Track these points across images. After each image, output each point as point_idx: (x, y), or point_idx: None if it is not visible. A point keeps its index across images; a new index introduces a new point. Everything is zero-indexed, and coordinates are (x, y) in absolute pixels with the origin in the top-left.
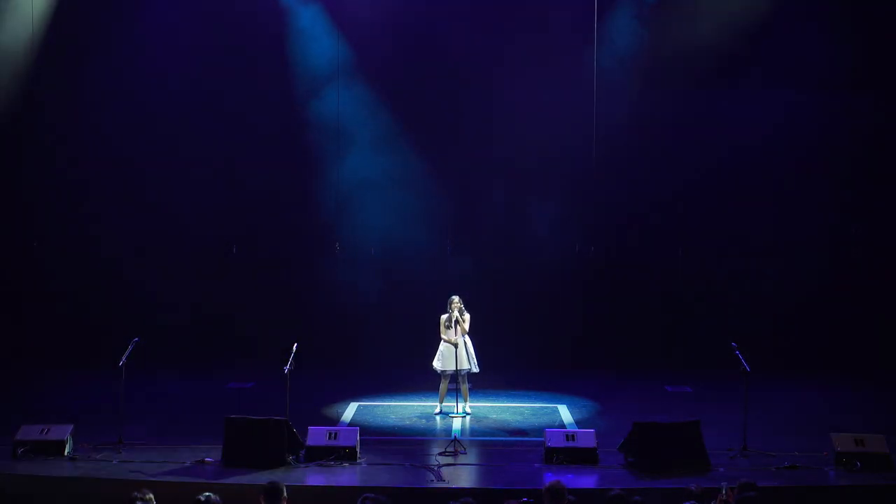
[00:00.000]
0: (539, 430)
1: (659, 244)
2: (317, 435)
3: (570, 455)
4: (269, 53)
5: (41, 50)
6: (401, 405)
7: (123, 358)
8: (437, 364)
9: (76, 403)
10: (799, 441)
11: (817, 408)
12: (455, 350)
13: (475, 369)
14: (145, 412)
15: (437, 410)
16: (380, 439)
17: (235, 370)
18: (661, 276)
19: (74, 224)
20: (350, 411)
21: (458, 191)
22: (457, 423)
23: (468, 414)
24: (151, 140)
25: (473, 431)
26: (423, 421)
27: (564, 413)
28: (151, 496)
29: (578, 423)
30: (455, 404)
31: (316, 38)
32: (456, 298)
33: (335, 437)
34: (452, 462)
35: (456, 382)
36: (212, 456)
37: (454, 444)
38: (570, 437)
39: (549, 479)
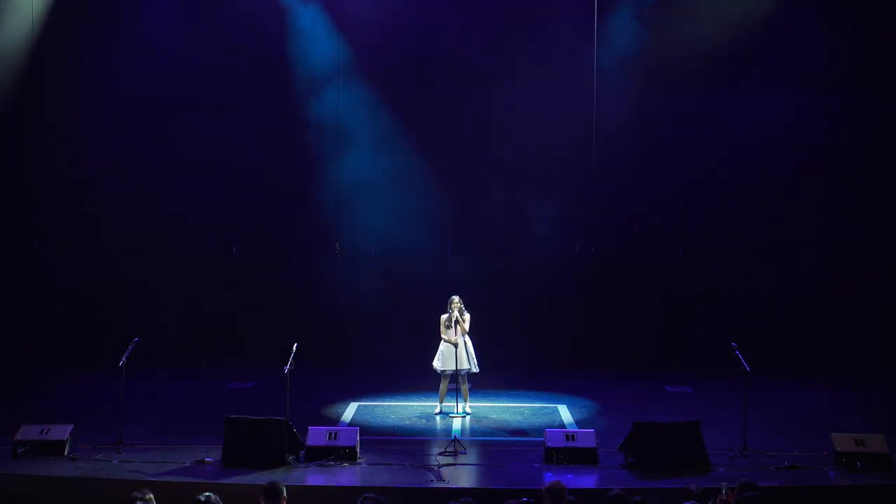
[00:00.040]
0: (539, 430)
1: (659, 244)
2: (317, 435)
3: (570, 455)
4: (269, 53)
5: (41, 49)
6: (401, 405)
7: (123, 358)
8: (437, 364)
9: (76, 403)
10: (799, 441)
11: (817, 408)
12: (455, 350)
13: (475, 369)
14: (145, 412)
15: (437, 410)
16: (380, 439)
17: (235, 370)
18: (661, 276)
19: (74, 224)
20: (350, 411)
21: (458, 191)
22: (457, 423)
23: (468, 414)
24: (151, 140)
25: (473, 431)
26: (423, 421)
27: (564, 413)
28: (151, 496)
29: (578, 423)
30: (455, 404)
31: (316, 37)
32: (456, 298)
33: (335, 437)
34: (452, 462)
35: (456, 382)
36: (212, 456)
37: (454, 444)
38: (570, 437)
39: (549, 479)
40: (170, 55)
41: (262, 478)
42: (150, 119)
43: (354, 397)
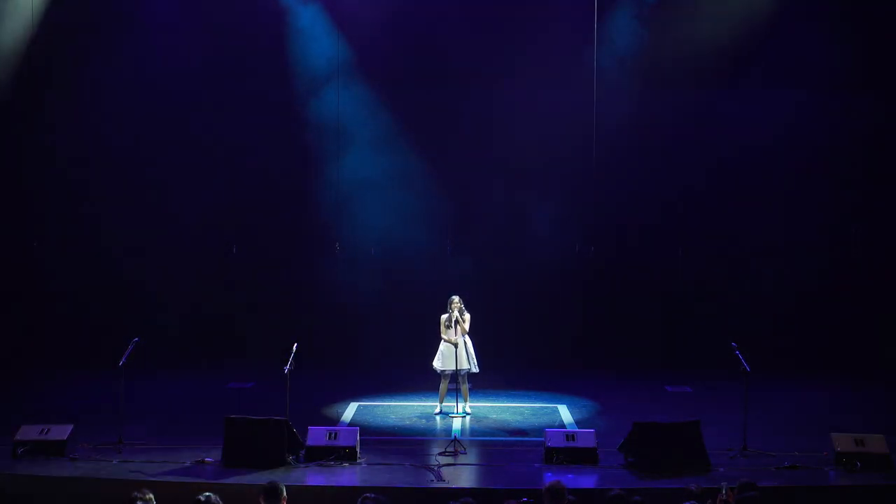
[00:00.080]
0: (539, 430)
1: (659, 244)
2: (317, 435)
3: (570, 455)
4: (269, 53)
5: (41, 49)
6: (401, 405)
7: (123, 358)
8: (437, 364)
9: (76, 403)
10: (799, 441)
11: (817, 408)
12: (455, 350)
13: (475, 369)
14: (145, 412)
15: (437, 410)
16: (380, 439)
17: (235, 370)
18: (661, 276)
19: (74, 224)
20: (350, 411)
21: (458, 191)
22: (457, 423)
23: (468, 414)
24: (151, 140)
25: (473, 431)
26: (423, 421)
27: (564, 413)
28: (151, 496)
29: (578, 423)
30: (455, 404)
31: (316, 37)
32: (456, 298)
33: (335, 437)
34: (452, 462)
35: (456, 382)
36: (212, 456)
37: (454, 444)
38: (570, 437)
39: (549, 479)
40: (170, 55)
41: (262, 478)
42: (150, 119)
43: (354, 397)
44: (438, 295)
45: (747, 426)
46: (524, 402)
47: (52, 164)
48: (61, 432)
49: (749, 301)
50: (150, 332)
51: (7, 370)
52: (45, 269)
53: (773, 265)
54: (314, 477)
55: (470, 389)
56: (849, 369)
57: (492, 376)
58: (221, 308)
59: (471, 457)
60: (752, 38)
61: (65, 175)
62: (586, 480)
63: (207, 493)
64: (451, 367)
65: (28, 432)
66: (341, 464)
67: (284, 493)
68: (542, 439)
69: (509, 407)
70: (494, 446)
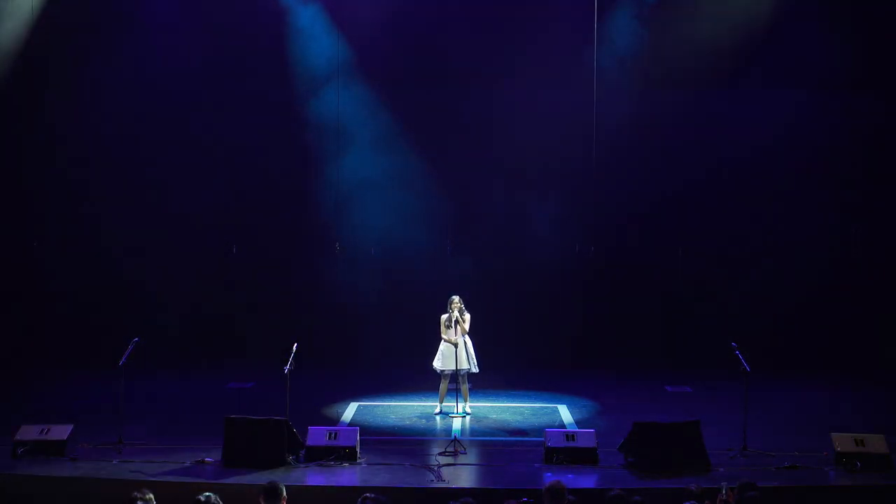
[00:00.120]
0: (539, 430)
1: (659, 244)
2: (317, 435)
3: (570, 455)
4: (269, 53)
5: (41, 49)
6: (401, 405)
7: (123, 358)
8: (437, 364)
9: (76, 403)
10: (799, 441)
11: (817, 408)
12: (455, 350)
13: (475, 369)
14: (145, 412)
15: (437, 410)
16: (380, 439)
17: (235, 370)
18: (661, 276)
19: (74, 224)
20: (350, 411)
21: (458, 191)
22: (457, 423)
23: (468, 414)
24: (151, 140)
25: (473, 431)
26: (423, 421)
27: (564, 413)
28: (151, 496)
29: (578, 423)
30: (455, 404)
31: (315, 37)
32: (456, 298)
33: (335, 437)
34: (452, 462)
35: (456, 382)
36: (212, 456)
37: (454, 444)
38: (570, 437)
39: (549, 479)
40: (170, 55)
41: (262, 478)
42: (150, 119)
43: (354, 397)
44: (438, 295)
45: (747, 426)
46: (524, 402)
47: (52, 164)
48: (61, 432)
49: (749, 301)
50: (150, 332)
51: (7, 370)
52: (45, 269)
53: (773, 265)
54: (314, 477)
55: (470, 389)
56: (849, 369)
57: (492, 376)
58: (221, 308)
59: (471, 457)
60: (752, 38)
61: (65, 175)
62: (586, 480)
63: (207, 493)
64: (451, 367)
65: (28, 432)
66: (341, 464)
67: (284, 493)
68: (542, 439)
69: (509, 407)
70: (494, 446)
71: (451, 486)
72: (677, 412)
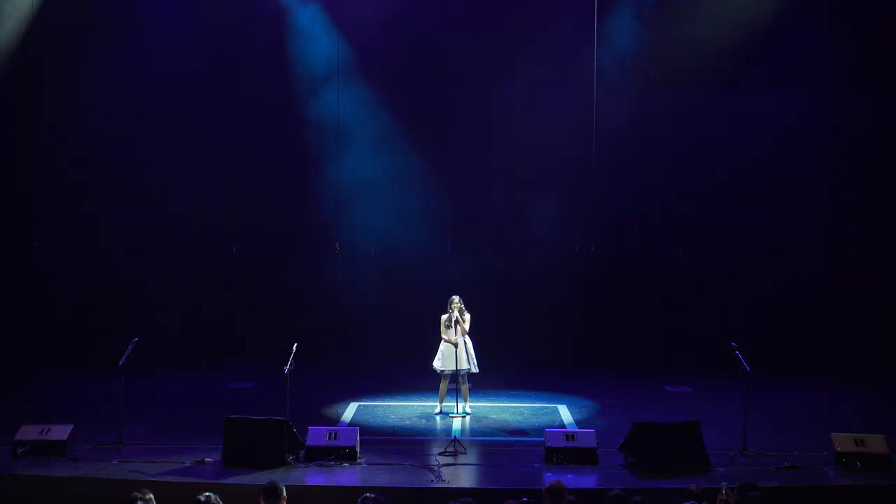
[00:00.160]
0: (539, 430)
1: (659, 244)
2: (317, 435)
3: (570, 455)
4: (269, 53)
5: (41, 49)
6: (401, 405)
7: (123, 358)
8: (437, 364)
9: (76, 403)
10: (799, 441)
11: (817, 408)
12: (455, 350)
13: (475, 370)
14: (145, 412)
15: (437, 410)
16: (380, 439)
17: (235, 370)
18: (661, 276)
19: (74, 224)
20: (350, 411)
21: (458, 191)
22: (457, 423)
23: (468, 414)
24: (151, 140)
25: (473, 431)
26: (423, 421)
27: (564, 413)
28: (151, 496)
29: (578, 423)
30: (455, 404)
31: (315, 37)
32: (456, 298)
33: (335, 437)
34: (452, 462)
35: (456, 382)
36: (212, 456)
37: (454, 444)
38: (570, 437)
39: (549, 479)
40: (170, 55)
41: (262, 478)
42: (150, 119)
43: (354, 397)
44: (438, 295)
45: (747, 426)
46: (524, 402)
47: (52, 164)
48: (61, 432)
49: (749, 301)
50: (150, 332)
51: (7, 370)
52: (45, 269)
53: (773, 265)
54: (314, 477)
55: (470, 389)
56: (849, 369)
57: (492, 376)
58: (221, 308)
59: (471, 457)
60: (752, 38)
61: (65, 175)
62: (586, 480)
63: (207, 493)
64: (451, 367)
65: (28, 432)
66: (341, 464)
67: (284, 493)
68: (542, 439)
69: (509, 407)
70: (494, 446)
71: (451, 486)
72: (677, 412)
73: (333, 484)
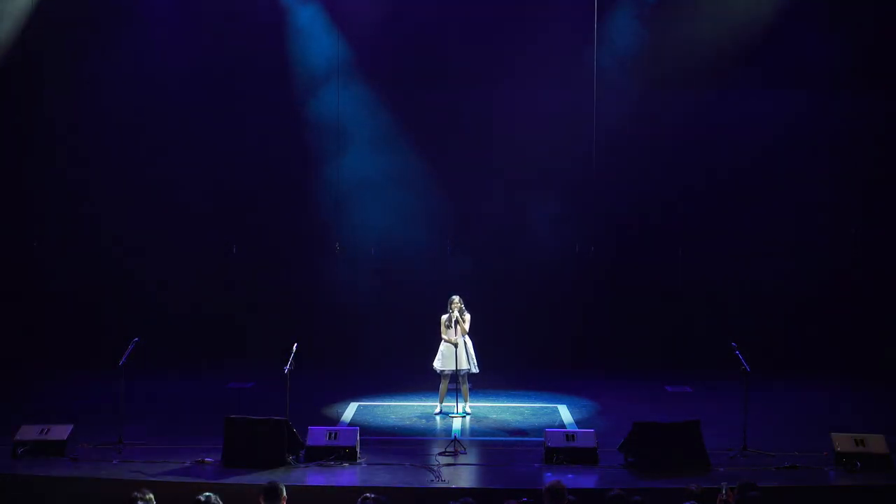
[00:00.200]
0: (539, 430)
1: (659, 244)
2: (317, 435)
3: (570, 455)
4: (268, 52)
5: (40, 48)
6: (401, 405)
7: (123, 358)
8: (437, 364)
9: (76, 403)
10: (799, 441)
11: (817, 408)
12: (455, 350)
13: (475, 370)
14: (145, 412)
15: (437, 410)
16: (380, 439)
17: (235, 370)
18: (661, 276)
19: (74, 224)
20: (350, 411)
21: (458, 191)
22: (457, 423)
23: (468, 414)
24: (151, 140)
25: (473, 431)
26: (423, 421)
27: (564, 413)
28: (151, 496)
29: (578, 423)
30: (455, 404)
31: (315, 36)
32: (456, 298)
33: (335, 437)
34: (452, 462)
35: (456, 382)
36: (212, 456)
37: (454, 444)
38: (570, 437)
39: (549, 479)
40: (169, 55)
41: (262, 478)
42: (150, 119)
43: (354, 397)
44: (438, 295)
45: (747, 426)
46: (524, 402)
47: (52, 164)
48: (61, 432)
49: (749, 301)
50: (150, 332)
51: (7, 370)
52: (45, 269)
53: (773, 265)
54: (314, 477)
55: (470, 389)
56: (849, 369)
57: (492, 376)
58: (221, 308)
59: (471, 457)
60: (752, 38)
61: (65, 175)
62: (586, 480)
63: (207, 493)
64: (451, 367)
65: (28, 432)
66: (341, 464)
67: (284, 493)
68: (542, 439)
69: (509, 407)
70: (494, 446)
71: (451, 486)
72: (677, 412)
73: (333, 484)
